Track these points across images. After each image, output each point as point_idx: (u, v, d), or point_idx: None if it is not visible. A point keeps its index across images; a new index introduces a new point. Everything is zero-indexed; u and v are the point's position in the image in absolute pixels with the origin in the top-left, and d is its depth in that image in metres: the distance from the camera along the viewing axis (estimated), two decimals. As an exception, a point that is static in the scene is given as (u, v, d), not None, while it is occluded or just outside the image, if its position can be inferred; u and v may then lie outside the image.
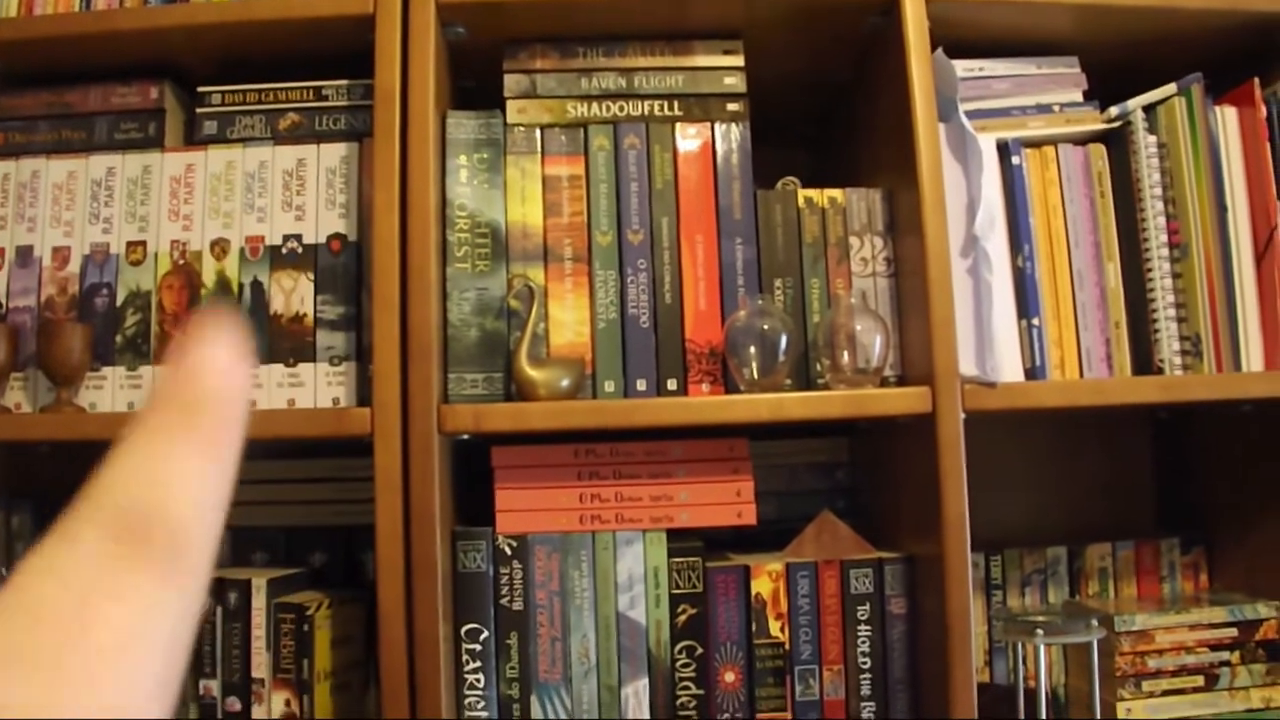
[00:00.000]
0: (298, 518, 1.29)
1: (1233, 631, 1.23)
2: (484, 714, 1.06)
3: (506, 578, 1.07)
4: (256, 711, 1.11)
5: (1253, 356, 1.13)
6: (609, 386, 1.08)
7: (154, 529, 0.25)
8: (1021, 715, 1.16)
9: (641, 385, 1.08)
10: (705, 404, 1.03)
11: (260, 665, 1.11)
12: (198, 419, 0.29)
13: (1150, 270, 1.13)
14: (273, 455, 1.30)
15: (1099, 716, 1.15)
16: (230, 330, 0.31)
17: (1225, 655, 1.23)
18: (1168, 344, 1.12)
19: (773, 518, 1.22)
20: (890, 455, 1.19)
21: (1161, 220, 1.14)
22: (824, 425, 1.30)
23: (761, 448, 1.20)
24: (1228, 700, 1.23)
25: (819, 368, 1.10)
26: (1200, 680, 1.23)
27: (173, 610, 0.25)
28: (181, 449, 0.27)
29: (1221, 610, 1.24)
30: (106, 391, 1.13)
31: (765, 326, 1.06)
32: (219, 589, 1.12)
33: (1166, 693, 1.22)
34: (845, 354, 1.07)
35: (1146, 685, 1.21)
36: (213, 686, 1.12)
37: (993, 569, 1.31)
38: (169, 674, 0.25)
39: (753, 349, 1.06)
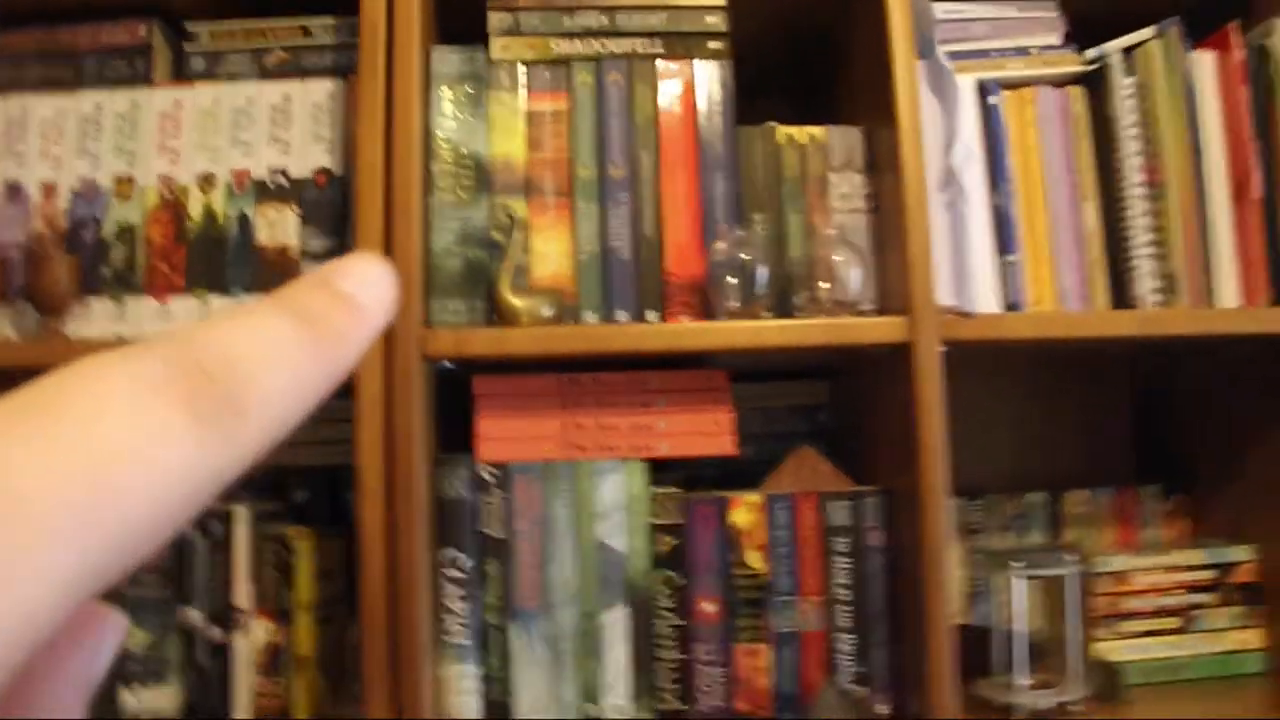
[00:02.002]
0: (281, 457, 1.30)
1: (1210, 574, 1.25)
2: (464, 641, 1.06)
3: (487, 505, 1.08)
4: (239, 641, 1.11)
5: (1228, 294, 1.14)
6: (590, 318, 1.09)
7: (220, 371, 0.22)
8: (999, 655, 1.17)
9: (622, 317, 1.09)
10: (685, 330, 1.04)
11: (242, 595, 1.12)
12: (316, 316, 0.25)
13: (1127, 209, 1.15)
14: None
15: (1076, 655, 1.15)
16: (389, 272, 0.27)
17: (1202, 598, 1.24)
18: (1144, 281, 1.13)
19: (753, 459, 1.22)
20: (869, 396, 1.20)
21: (1138, 160, 1.15)
22: (804, 368, 1.31)
23: (742, 390, 1.20)
24: (1204, 642, 1.24)
25: (798, 301, 1.11)
26: (1177, 622, 1.24)
27: (195, 463, 0.21)
28: (283, 333, 0.24)
29: (1199, 553, 1.25)
30: (93, 324, 1.14)
31: (746, 257, 1.07)
32: (202, 519, 1.13)
33: (1143, 634, 1.23)
34: (824, 286, 1.08)
35: (1123, 626, 1.22)
36: (195, 615, 1.12)
37: (972, 514, 1.31)
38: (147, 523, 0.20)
39: (733, 280, 1.07)
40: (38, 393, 0.19)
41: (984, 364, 1.43)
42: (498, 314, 1.06)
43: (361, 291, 0.26)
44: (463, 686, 1.07)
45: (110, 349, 0.21)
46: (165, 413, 0.20)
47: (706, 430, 1.09)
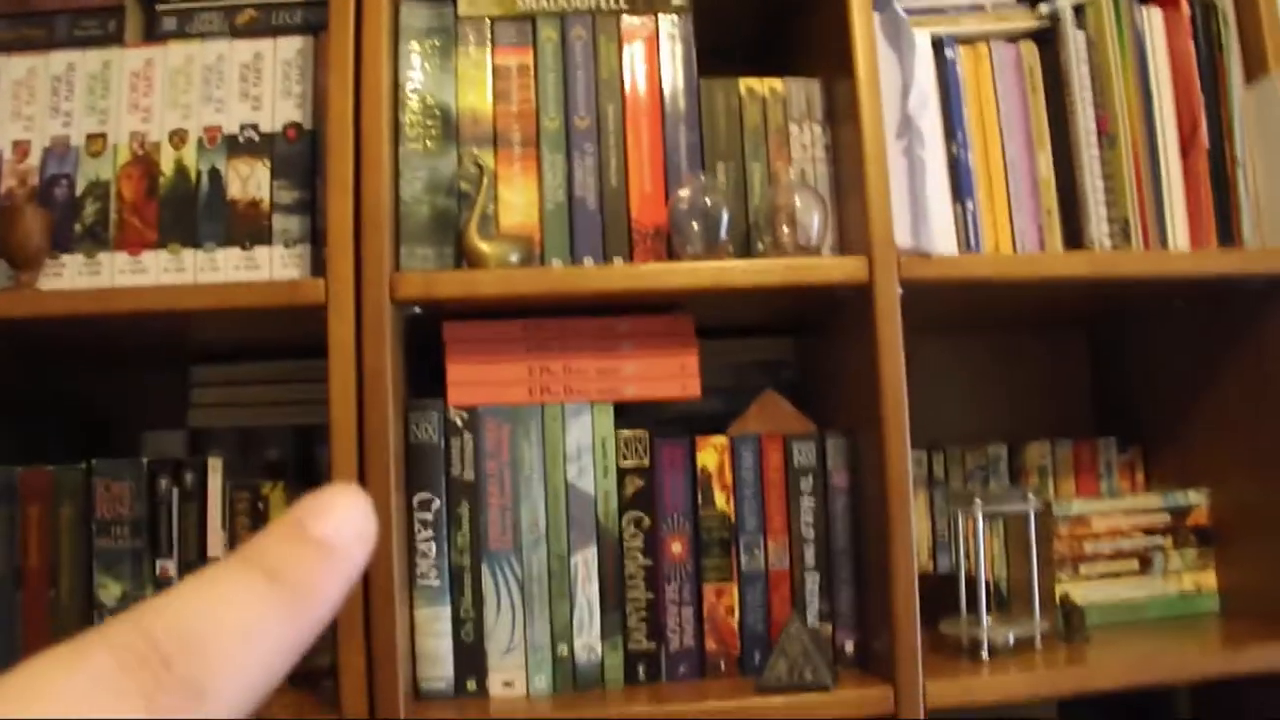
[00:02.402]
0: (254, 418, 1.31)
1: (1165, 517, 1.28)
2: (435, 583, 1.08)
3: (457, 448, 1.09)
4: (212, 591, 1.12)
5: (1179, 239, 1.18)
6: (557, 265, 1.11)
7: (177, 655, 0.21)
8: (963, 601, 1.19)
9: (589, 264, 1.11)
10: (649, 271, 1.07)
11: (216, 545, 1.13)
12: (286, 569, 0.23)
13: (1080, 159, 1.18)
14: (229, 358, 1.32)
15: (1038, 593, 1.18)
16: (365, 504, 0.26)
17: (1159, 540, 1.27)
18: (1097, 226, 1.16)
19: (720, 413, 1.24)
20: (832, 348, 1.23)
21: (1090, 110, 1.18)
22: (769, 324, 1.33)
23: (709, 346, 1.23)
24: (1162, 584, 1.27)
25: (761, 247, 1.14)
26: (1135, 565, 1.27)
27: None
28: (250, 594, 0.23)
29: (1155, 497, 1.28)
30: (66, 279, 1.15)
31: (708, 202, 1.09)
32: (175, 471, 1.14)
33: (1103, 576, 1.26)
34: (785, 230, 1.10)
35: (1084, 569, 1.25)
36: (169, 566, 1.13)
37: (935, 465, 1.34)
38: None
39: (696, 225, 1.09)
40: (1, 694, 0.19)
41: (945, 326, 1.46)
42: (466, 260, 1.08)
43: (337, 533, 0.24)
44: (435, 629, 1.08)
45: (70, 639, 0.21)
46: (122, 707, 0.20)
47: (672, 373, 1.12)
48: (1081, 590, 1.24)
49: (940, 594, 1.23)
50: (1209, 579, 1.28)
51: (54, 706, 0.19)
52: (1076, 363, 1.56)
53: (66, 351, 1.31)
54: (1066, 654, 1.14)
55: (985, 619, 1.13)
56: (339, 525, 0.25)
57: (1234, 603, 1.28)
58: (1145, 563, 1.27)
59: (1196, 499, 1.28)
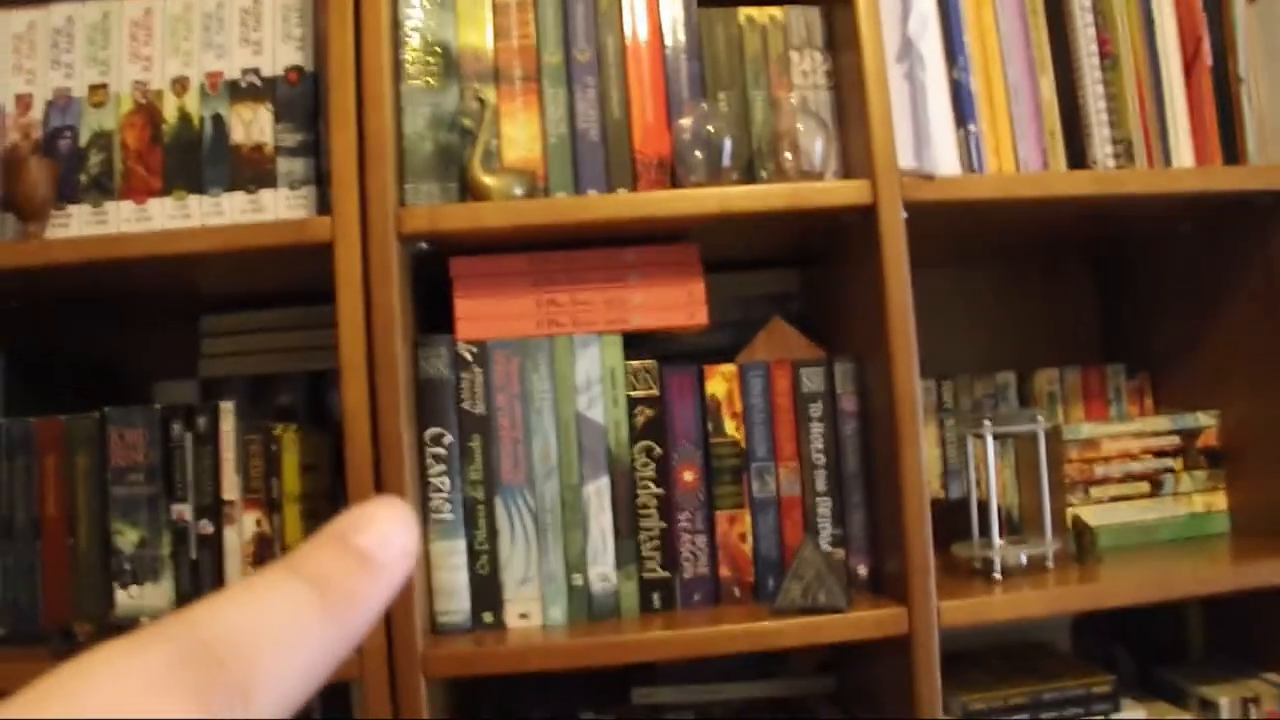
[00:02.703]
0: (265, 366, 1.32)
1: (1175, 439, 1.28)
2: (449, 516, 1.09)
3: (467, 382, 1.10)
4: (228, 534, 1.13)
5: (1183, 158, 1.18)
6: (561, 196, 1.11)
7: (227, 657, 0.21)
8: (975, 525, 1.20)
9: (593, 195, 1.12)
10: (654, 199, 1.07)
11: (230, 488, 1.14)
12: (330, 580, 0.24)
13: (1082, 80, 1.18)
14: (239, 306, 1.33)
15: (1049, 514, 1.19)
16: (408, 517, 0.26)
17: (1169, 462, 1.28)
18: (1100, 148, 1.16)
19: (727, 346, 1.25)
20: (837, 278, 1.23)
21: (1092, 32, 1.18)
22: (775, 257, 1.34)
23: (715, 280, 1.23)
24: (1172, 505, 1.27)
25: (764, 174, 1.14)
26: (1146, 487, 1.27)
27: None
28: (295, 603, 0.23)
29: (1164, 419, 1.28)
30: (73, 229, 1.16)
31: (711, 129, 1.09)
32: (188, 415, 1.15)
33: (1114, 499, 1.26)
34: (788, 156, 1.10)
35: (1095, 492, 1.26)
36: (185, 511, 1.14)
37: (944, 394, 1.34)
38: None
39: (699, 154, 1.09)
40: (55, 685, 0.20)
41: (951, 258, 1.47)
42: (471, 194, 1.08)
43: (380, 547, 0.25)
44: (450, 563, 1.09)
45: (126, 632, 0.22)
46: (176, 704, 0.20)
47: (679, 302, 1.12)
48: (1092, 513, 1.24)
49: (952, 521, 1.24)
50: (1219, 500, 1.28)
51: (109, 699, 0.20)
52: (1083, 292, 1.56)
53: (77, 305, 1.32)
54: (1079, 573, 1.15)
55: (997, 541, 1.14)
56: (382, 538, 0.25)
57: (1244, 522, 1.28)
58: (1156, 485, 1.27)
59: (1206, 421, 1.29)
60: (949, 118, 1.13)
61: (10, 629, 1.13)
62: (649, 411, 1.11)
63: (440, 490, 1.09)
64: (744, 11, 1.17)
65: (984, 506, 1.17)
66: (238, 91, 1.16)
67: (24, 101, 1.18)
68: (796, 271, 1.37)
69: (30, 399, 1.27)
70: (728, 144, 1.09)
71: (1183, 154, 1.17)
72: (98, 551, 1.14)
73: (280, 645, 0.23)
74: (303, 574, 0.24)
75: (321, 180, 1.13)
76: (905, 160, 1.09)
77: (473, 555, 1.09)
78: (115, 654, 0.21)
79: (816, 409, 1.13)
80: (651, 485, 1.11)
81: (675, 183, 1.12)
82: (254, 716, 0.21)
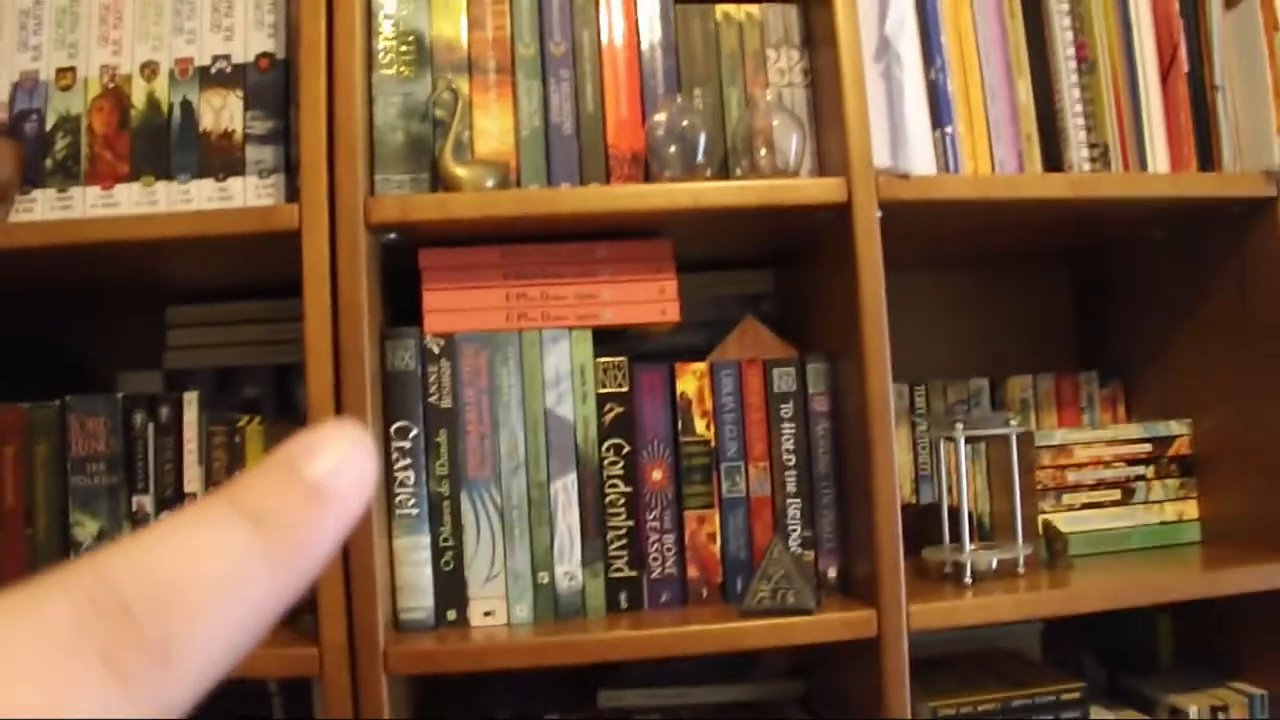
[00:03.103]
0: (231, 359, 1.30)
1: (1147, 447, 1.28)
2: (414, 511, 1.07)
3: (435, 376, 1.08)
4: (189, 526, 1.11)
5: (1159, 164, 1.17)
6: (533, 189, 1.10)
7: (142, 609, 0.18)
8: (946, 529, 1.19)
9: (565, 188, 1.10)
10: (626, 192, 1.06)
11: (193, 479, 1.12)
12: (273, 515, 0.21)
13: (1059, 85, 1.17)
14: (205, 298, 1.31)
15: (1020, 519, 1.18)
16: (366, 443, 0.23)
17: (1141, 470, 1.27)
18: (1076, 151, 1.16)
19: (700, 346, 1.24)
20: (811, 279, 1.22)
21: (1069, 36, 1.18)
22: (749, 257, 1.33)
23: (689, 280, 1.22)
24: (1143, 513, 1.27)
25: (738, 172, 1.13)
26: (1118, 494, 1.27)
27: None
28: (231, 541, 0.20)
29: (1137, 427, 1.28)
30: (37, 214, 1.14)
31: (685, 124, 1.08)
32: (150, 406, 1.13)
33: (1085, 506, 1.25)
34: (763, 153, 1.10)
35: (1067, 499, 1.25)
36: (145, 502, 1.12)
37: (916, 399, 1.34)
38: None
39: (673, 149, 1.08)
40: None
41: (927, 262, 1.46)
42: (442, 185, 1.07)
43: (333, 475, 0.22)
44: (414, 558, 1.07)
45: (23, 582, 0.18)
46: (78, 667, 0.17)
47: (651, 298, 1.11)
48: (1064, 520, 1.24)
49: (923, 525, 1.23)
50: (1190, 508, 1.28)
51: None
52: (1059, 299, 1.55)
53: (41, 293, 1.30)
54: (1049, 578, 1.14)
55: (968, 544, 1.13)
56: (336, 466, 0.22)
57: (1215, 531, 1.28)
58: (1127, 493, 1.27)
59: (1179, 429, 1.28)
60: (926, 116, 1.12)
61: (-38, 620, 1.10)
62: (618, 408, 1.10)
63: (405, 485, 1.07)
64: (721, 8, 1.16)
65: (955, 512, 1.16)
66: (208, 78, 1.14)
67: (-11, 84, 1.16)
68: (771, 272, 1.36)
69: (-10, 387, 1.25)
70: (702, 140, 1.08)
71: (1158, 160, 1.17)
72: (56, 542, 1.12)
73: (212, 595, 0.19)
74: (244, 508, 0.21)
75: (291, 169, 1.11)
76: (881, 159, 1.08)
77: (437, 551, 1.08)
78: (5, 607, 0.18)
79: (788, 409, 1.12)
80: (620, 483, 1.10)
81: (649, 178, 1.11)
82: (175, 680, 0.18)
